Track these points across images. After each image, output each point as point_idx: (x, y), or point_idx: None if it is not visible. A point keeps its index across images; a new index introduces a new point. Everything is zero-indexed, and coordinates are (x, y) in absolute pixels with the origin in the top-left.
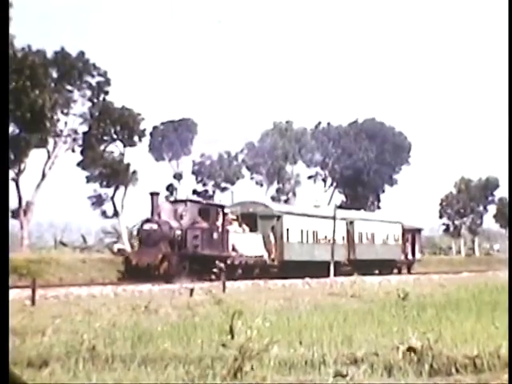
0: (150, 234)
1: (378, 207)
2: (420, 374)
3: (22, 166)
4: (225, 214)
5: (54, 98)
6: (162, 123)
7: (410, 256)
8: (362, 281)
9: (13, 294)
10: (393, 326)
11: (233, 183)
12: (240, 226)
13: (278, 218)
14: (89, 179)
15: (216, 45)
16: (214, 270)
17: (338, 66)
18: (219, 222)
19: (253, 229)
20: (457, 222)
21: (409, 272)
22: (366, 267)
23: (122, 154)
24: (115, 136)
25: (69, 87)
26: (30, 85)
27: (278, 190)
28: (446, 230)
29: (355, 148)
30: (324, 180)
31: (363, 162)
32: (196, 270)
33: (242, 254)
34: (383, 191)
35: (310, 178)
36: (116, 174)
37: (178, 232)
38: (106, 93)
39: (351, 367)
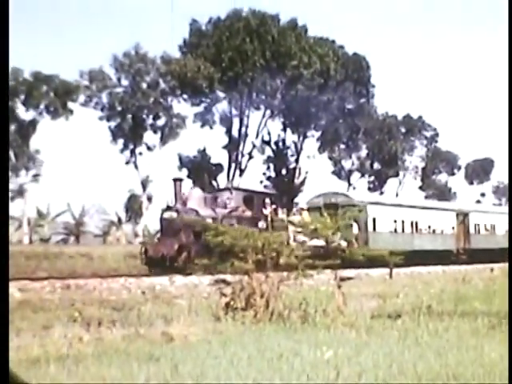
0: (169, 223)
1: None
2: None
3: (383, 189)
4: (274, 203)
5: (403, 145)
6: (473, 160)
7: None
8: None
9: (377, 272)
10: None
11: None
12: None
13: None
14: (426, 197)
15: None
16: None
17: None
18: (267, 211)
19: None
20: None
21: None
22: (485, 255)
23: (446, 181)
24: (442, 169)
25: (412, 138)
26: (387, 138)
27: None
28: None
29: None
30: None
31: None
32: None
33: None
34: None
35: None
36: (443, 195)
37: (210, 221)
38: (436, 141)
39: None
